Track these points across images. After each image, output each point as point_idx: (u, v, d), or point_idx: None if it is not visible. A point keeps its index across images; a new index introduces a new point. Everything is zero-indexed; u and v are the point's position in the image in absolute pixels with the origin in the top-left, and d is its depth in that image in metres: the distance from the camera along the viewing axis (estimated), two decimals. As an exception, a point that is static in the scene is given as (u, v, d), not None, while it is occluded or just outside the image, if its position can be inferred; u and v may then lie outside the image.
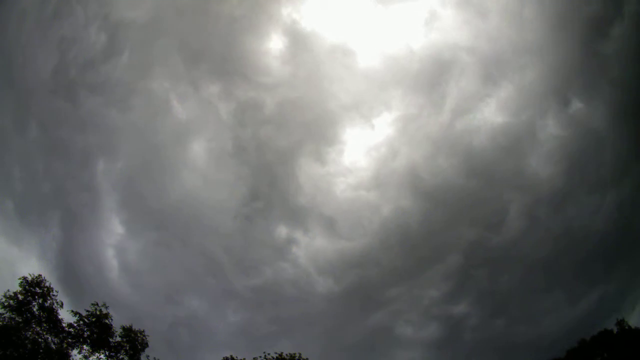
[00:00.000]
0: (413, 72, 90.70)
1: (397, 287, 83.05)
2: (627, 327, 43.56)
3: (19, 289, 33.84)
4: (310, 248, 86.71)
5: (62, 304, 34.94)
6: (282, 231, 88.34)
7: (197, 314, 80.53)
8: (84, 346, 33.66)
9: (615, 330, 43.89)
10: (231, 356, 37.32)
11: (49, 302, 34.22)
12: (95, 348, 33.62)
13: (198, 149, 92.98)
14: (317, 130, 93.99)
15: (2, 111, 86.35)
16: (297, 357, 37.67)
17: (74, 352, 33.31)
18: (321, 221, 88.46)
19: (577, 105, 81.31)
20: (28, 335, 32.59)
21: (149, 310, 76.67)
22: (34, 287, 34.13)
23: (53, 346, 32.85)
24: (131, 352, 34.11)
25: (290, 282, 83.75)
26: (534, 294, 75.35)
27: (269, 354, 37.62)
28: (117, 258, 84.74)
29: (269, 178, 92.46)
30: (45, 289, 34.31)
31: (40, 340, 32.71)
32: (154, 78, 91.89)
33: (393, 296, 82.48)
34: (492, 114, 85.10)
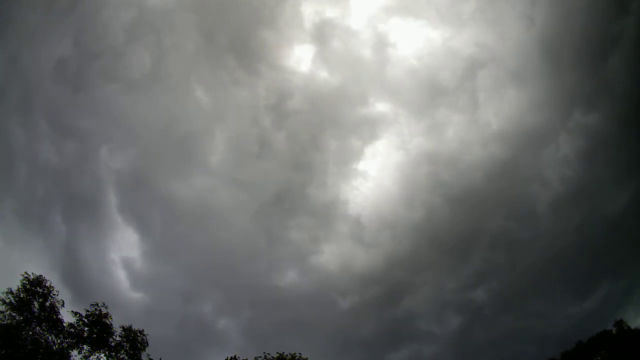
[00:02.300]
0: (435, 79, 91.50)
1: (419, 284, 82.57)
2: (626, 328, 43.74)
3: (19, 286, 33.78)
4: (334, 252, 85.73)
5: (62, 303, 34.88)
6: (304, 233, 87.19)
7: (208, 313, 79.70)
8: (84, 346, 33.54)
9: (614, 330, 44.07)
10: (235, 356, 37.24)
11: (49, 301, 34.16)
12: (95, 348, 33.52)
13: (218, 143, 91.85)
14: (345, 131, 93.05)
15: (7, 105, 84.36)
16: (297, 357, 37.69)
17: (74, 352, 33.24)
18: (347, 225, 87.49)
19: (589, 111, 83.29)
20: (28, 335, 32.52)
21: (158, 309, 75.73)
22: (34, 287, 34.02)
23: (54, 346, 32.75)
24: (131, 352, 34.00)
25: (309, 286, 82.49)
26: (548, 288, 76.23)
27: (269, 354, 37.65)
28: (125, 255, 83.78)
29: (292, 178, 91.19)
30: (46, 289, 34.20)
31: (40, 340, 32.62)
32: (174, 67, 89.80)
33: (414, 293, 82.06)
34: (509, 120, 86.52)
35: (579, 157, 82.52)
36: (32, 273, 33.89)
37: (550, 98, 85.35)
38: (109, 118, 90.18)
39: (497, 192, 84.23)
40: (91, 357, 33.51)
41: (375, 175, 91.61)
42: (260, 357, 37.42)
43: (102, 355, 33.69)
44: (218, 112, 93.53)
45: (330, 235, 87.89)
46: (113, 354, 33.71)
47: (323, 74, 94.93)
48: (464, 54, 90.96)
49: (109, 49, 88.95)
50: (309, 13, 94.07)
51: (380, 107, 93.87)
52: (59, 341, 33.28)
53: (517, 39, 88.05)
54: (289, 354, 37.74)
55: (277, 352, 37.51)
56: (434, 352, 75.18)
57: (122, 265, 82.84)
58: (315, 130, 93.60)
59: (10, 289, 33.52)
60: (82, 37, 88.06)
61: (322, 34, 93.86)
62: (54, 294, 34.58)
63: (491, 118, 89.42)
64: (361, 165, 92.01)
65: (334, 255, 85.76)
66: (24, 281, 33.28)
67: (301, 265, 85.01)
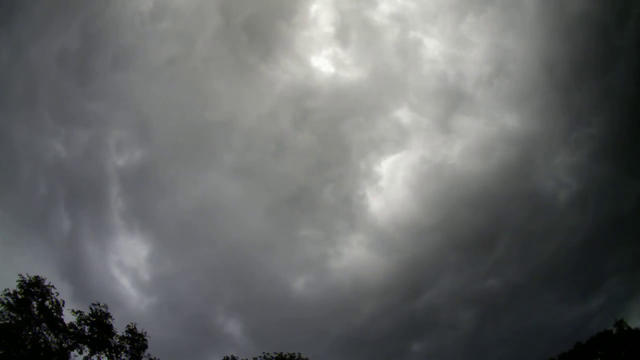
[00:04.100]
0: (452, 86, 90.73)
1: (436, 281, 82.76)
2: (626, 328, 43.61)
3: (17, 287, 33.74)
4: (351, 257, 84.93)
5: (63, 302, 34.80)
6: (320, 236, 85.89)
7: (216, 315, 78.29)
8: (85, 346, 33.63)
9: (614, 330, 43.96)
10: (232, 356, 37.44)
11: (48, 301, 34.12)
12: (95, 348, 33.63)
13: (233, 140, 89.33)
14: (366, 134, 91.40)
15: (11, 99, 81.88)
16: (296, 357, 37.83)
17: (74, 352, 33.34)
18: (365, 230, 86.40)
19: (597, 116, 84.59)
20: (28, 335, 32.59)
21: (165, 311, 75.14)
22: (32, 287, 33.96)
23: (53, 346, 32.85)
24: (132, 353, 34.13)
25: (322, 291, 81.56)
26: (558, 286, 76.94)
27: (268, 353, 37.82)
28: (130, 255, 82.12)
29: (310, 179, 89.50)
30: (44, 289, 34.14)
31: (40, 340, 32.69)
32: (189, 59, 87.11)
33: (432, 290, 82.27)
34: (523, 126, 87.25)
35: (589, 159, 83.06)
36: (28, 274, 33.66)
37: (560, 105, 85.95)
38: (118, 112, 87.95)
39: (510, 193, 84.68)
40: (92, 358, 33.68)
41: (394, 180, 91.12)
42: (260, 357, 37.64)
43: (103, 355, 33.80)
44: (234, 107, 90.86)
45: (347, 239, 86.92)
46: (114, 354, 33.86)
47: (346, 74, 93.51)
48: (476, 63, 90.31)
49: (118, 38, 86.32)
50: (333, 8, 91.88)
51: (401, 111, 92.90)
52: (58, 341, 33.37)
53: (525, 50, 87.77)
54: (288, 353, 37.88)
55: (275, 352, 37.67)
56: (448, 344, 75.63)
57: (128, 265, 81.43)
58: (336, 130, 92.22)
59: (8, 289, 33.54)
60: (91, 27, 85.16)
61: (345, 31, 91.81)
62: (53, 293, 34.53)
63: (504, 125, 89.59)
64: (380, 169, 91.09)
65: (350, 259, 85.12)
66: (21, 283, 33.09)
67: (316, 269, 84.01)
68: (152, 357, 34.75)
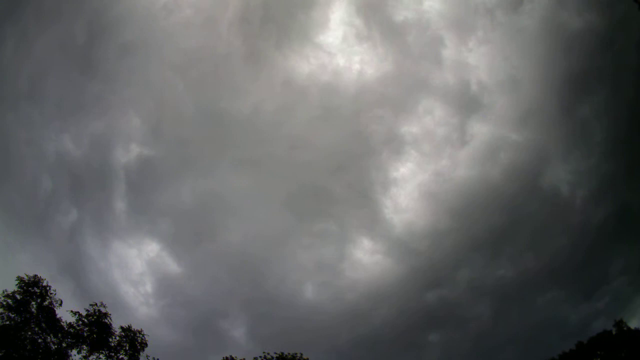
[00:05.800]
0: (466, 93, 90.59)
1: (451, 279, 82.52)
2: (625, 329, 43.72)
3: (16, 288, 33.56)
4: (363, 259, 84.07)
5: (61, 302, 34.61)
6: (333, 239, 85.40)
7: (221, 315, 78.16)
8: (84, 346, 33.42)
9: (614, 331, 44.05)
10: (231, 356, 37.29)
11: (47, 301, 33.93)
12: (94, 348, 33.42)
13: (250, 135, 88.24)
14: (386, 136, 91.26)
15: (14, 95, 79.64)
16: (298, 357, 37.69)
17: (73, 352, 33.16)
18: (381, 233, 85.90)
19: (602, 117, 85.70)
20: (27, 336, 32.39)
21: (170, 312, 74.51)
22: (31, 287, 33.76)
23: (52, 346, 32.67)
24: (131, 352, 33.91)
25: (336, 295, 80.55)
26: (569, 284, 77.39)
27: (268, 353, 37.66)
28: (135, 256, 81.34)
29: (328, 179, 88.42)
30: (43, 289, 33.94)
31: (39, 340, 32.51)
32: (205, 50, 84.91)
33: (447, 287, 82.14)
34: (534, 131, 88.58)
35: (596, 160, 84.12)
36: (27, 275, 33.56)
37: (565, 110, 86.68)
38: (125, 107, 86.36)
39: (519, 194, 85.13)
40: (91, 357, 33.45)
41: (410, 182, 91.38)
42: (261, 356, 37.47)
43: (102, 355, 33.59)
44: (248, 101, 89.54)
45: (361, 239, 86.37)
46: (112, 354, 33.64)
47: (369, 70, 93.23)
48: (486, 71, 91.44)
49: (127, 31, 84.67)
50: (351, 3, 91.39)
51: (416, 115, 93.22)
52: (57, 341, 33.17)
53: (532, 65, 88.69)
54: (289, 353, 37.73)
55: (276, 352, 37.51)
56: (462, 336, 75.67)
57: (132, 267, 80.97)
58: (355, 126, 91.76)
59: (7, 291, 33.33)
60: (99, 20, 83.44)
61: (365, 27, 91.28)
62: (52, 294, 34.36)
63: (512, 133, 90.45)
64: (396, 174, 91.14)
65: (365, 259, 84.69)
66: (20, 283, 32.94)
67: (330, 270, 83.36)
68: (152, 357, 34.51)
